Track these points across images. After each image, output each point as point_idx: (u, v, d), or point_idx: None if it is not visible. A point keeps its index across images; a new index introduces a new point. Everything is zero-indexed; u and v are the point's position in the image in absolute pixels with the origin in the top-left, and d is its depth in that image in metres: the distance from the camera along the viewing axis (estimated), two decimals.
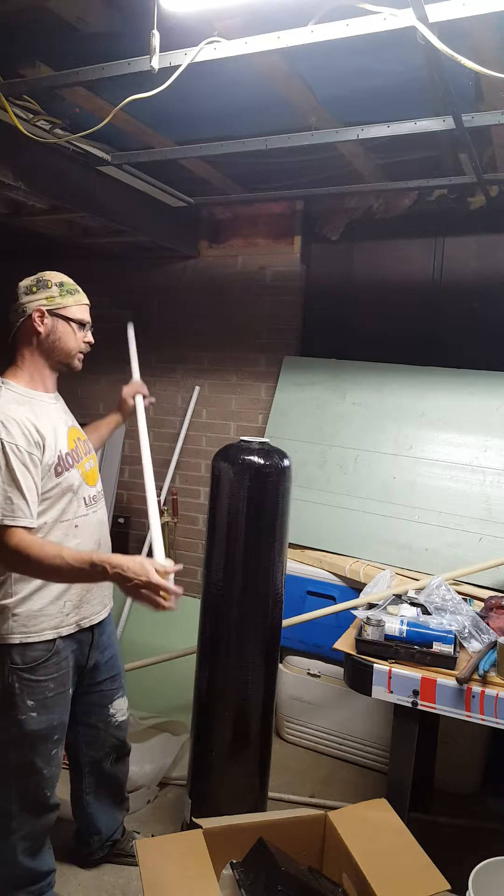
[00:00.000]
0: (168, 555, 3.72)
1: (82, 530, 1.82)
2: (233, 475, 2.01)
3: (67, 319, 1.78)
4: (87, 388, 3.83)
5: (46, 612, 1.76)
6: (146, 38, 1.61)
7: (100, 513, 1.92)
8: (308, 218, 3.33)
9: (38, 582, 1.73)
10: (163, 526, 3.47)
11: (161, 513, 3.46)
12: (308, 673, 2.89)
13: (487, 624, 2.06)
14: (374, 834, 1.71)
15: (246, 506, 2.00)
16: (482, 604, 2.28)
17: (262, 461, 1.99)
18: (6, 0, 1.64)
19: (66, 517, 1.78)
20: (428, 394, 2.93)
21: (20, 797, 1.82)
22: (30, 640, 1.73)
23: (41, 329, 1.75)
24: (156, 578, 1.51)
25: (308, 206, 3.30)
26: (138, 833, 2.32)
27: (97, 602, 1.91)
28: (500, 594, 2.33)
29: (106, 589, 1.96)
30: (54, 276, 1.80)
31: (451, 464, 2.80)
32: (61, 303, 1.77)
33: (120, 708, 2.09)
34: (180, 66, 1.69)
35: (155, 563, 1.56)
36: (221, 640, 2.09)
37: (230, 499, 2.02)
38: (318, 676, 2.87)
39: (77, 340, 1.82)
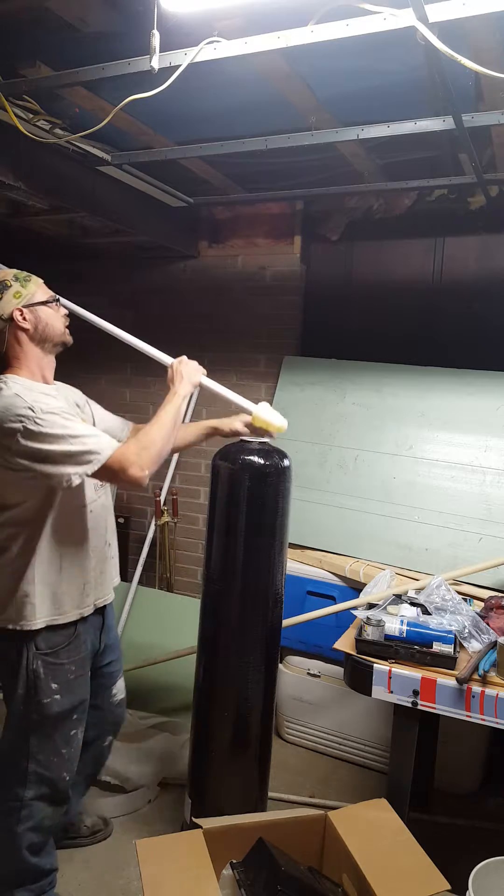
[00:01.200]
0: (168, 555, 3.72)
1: (94, 514, 1.88)
2: (232, 475, 2.01)
3: (43, 304, 1.81)
4: (87, 388, 3.82)
5: (69, 593, 1.81)
6: (146, 38, 1.61)
7: (105, 498, 1.97)
8: (308, 218, 3.33)
9: (60, 564, 1.78)
10: (162, 526, 3.48)
11: (161, 513, 3.47)
12: (308, 673, 2.89)
13: (487, 624, 2.06)
14: (374, 834, 1.71)
15: (246, 505, 1.99)
16: (482, 604, 2.27)
17: (261, 461, 1.99)
18: (6, 0, 1.64)
19: (82, 501, 1.83)
20: (428, 394, 2.93)
21: (36, 783, 1.83)
22: (56, 623, 1.78)
23: (27, 325, 1.77)
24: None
25: (308, 206, 3.30)
26: (82, 812, 2.28)
27: (109, 582, 1.99)
28: (500, 594, 2.33)
29: (114, 569, 2.02)
30: (6, 273, 1.80)
31: (451, 464, 2.80)
32: (28, 292, 1.78)
33: (120, 688, 2.17)
34: (180, 66, 1.69)
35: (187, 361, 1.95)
36: (221, 640, 2.09)
37: (230, 499, 2.01)
38: (318, 676, 2.87)
39: (59, 317, 1.85)
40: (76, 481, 1.64)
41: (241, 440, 2.08)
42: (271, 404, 3.29)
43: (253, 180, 2.96)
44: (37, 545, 1.75)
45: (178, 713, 2.89)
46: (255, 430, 2.08)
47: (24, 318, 1.77)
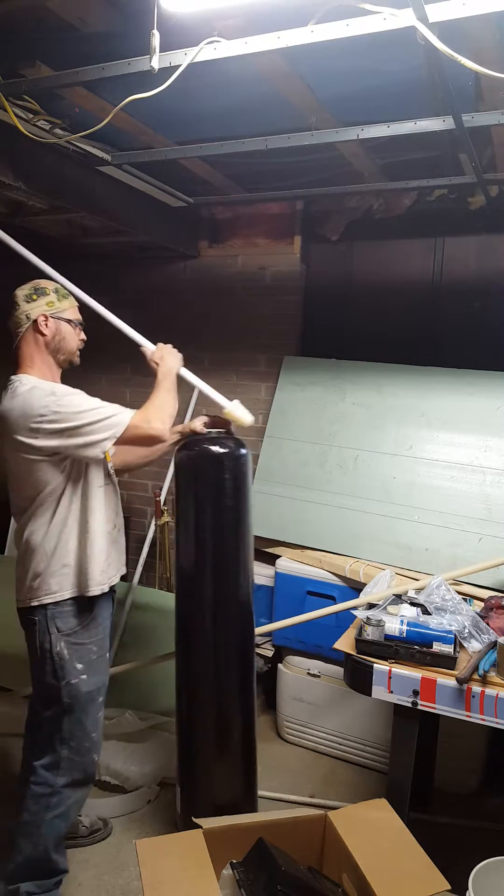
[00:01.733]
0: (168, 555, 3.72)
1: (109, 497, 1.98)
2: (191, 463, 2.12)
3: (67, 321, 1.97)
4: (88, 388, 3.81)
5: (93, 568, 1.91)
6: (146, 38, 1.61)
7: (114, 485, 2.06)
8: (308, 218, 3.33)
9: (86, 540, 1.89)
10: (162, 526, 3.48)
11: (161, 513, 3.47)
12: (308, 673, 2.89)
13: (487, 624, 2.06)
14: (374, 834, 1.71)
15: (209, 491, 2.09)
16: (482, 604, 2.27)
17: (218, 448, 2.09)
18: (6, 0, 1.64)
19: (100, 483, 1.95)
20: (428, 394, 2.93)
21: (68, 769, 1.89)
22: (91, 593, 1.89)
23: (46, 332, 1.92)
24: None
25: (308, 206, 3.30)
26: (80, 815, 2.26)
27: (119, 563, 2.06)
28: (500, 594, 2.33)
29: (123, 554, 2.10)
30: (49, 284, 1.98)
31: (451, 464, 2.80)
32: (60, 307, 1.95)
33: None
34: (180, 66, 1.69)
35: (167, 347, 2.17)
36: (190, 628, 2.15)
37: (190, 486, 2.13)
38: (318, 676, 2.87)
39: (76, 339, 2.00)
40: (108, 447, 1.80)
41: (199, 433, 2.16)
42: (271, 404, 3.32)
43: (253, 180, 2.96)
44: (67, 523, 1.87)
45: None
46: (217, 425, 2.21)
47: (46, 325, 1.91)
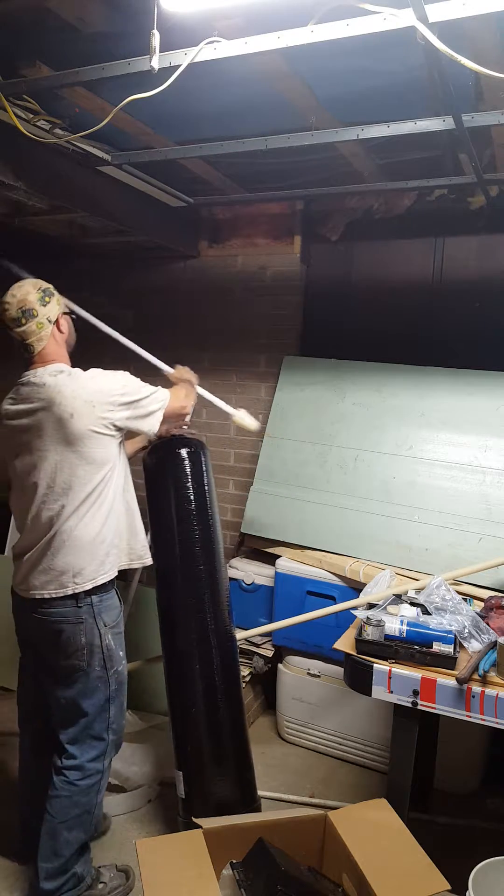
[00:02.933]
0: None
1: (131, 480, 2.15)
2: (154, 461, 2.32)
3: (69, 316, 2.12)
4: None
5: (134, 543, 2.09)
6: (146, 38, 1.61)
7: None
8: (308, 218, 3.33)
9: (127, 518, 2.06)
10: None
11: None
12: (308, 673, 2.89)
13: (487, 624, 2.06)
14: (374, 834, 1.71)
15: (173, 487, 2.27)
16: (482, 604, 2.28)
17: (181, 449, 2.29)
18: (6, 0, 1.64)
19: (129, 465, 2.12)
20: (428, 394, 2.93)
21: (110, 751, 2.02)
22: (136, 565, 2.07)
23: (64, 330, 2.07)
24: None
25: (308, 206, 3.30)
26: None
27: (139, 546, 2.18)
28: (500, 594, 2.33)
29: None
30: (44, 283, 2.05)
31: (451, 464, 2.80)
32: (65, 305, 2.10)
33: None
34: (180, 66, 1.69)
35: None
36: (169, 628, 2.27)
37: (154, 482, 2.31)
38: (318, 676, 2.87)
39: (73, 334, 2.14)
40: (160, 418, 2.06)
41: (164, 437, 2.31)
42: (272, 404, 3.32)
43: (253, 180, 2.96)
44: (114, 507, 2.01)
45: None
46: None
47: (63, 323, 2.07)
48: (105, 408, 1.93)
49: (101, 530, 1.96)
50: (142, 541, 2.11)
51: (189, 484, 2.27)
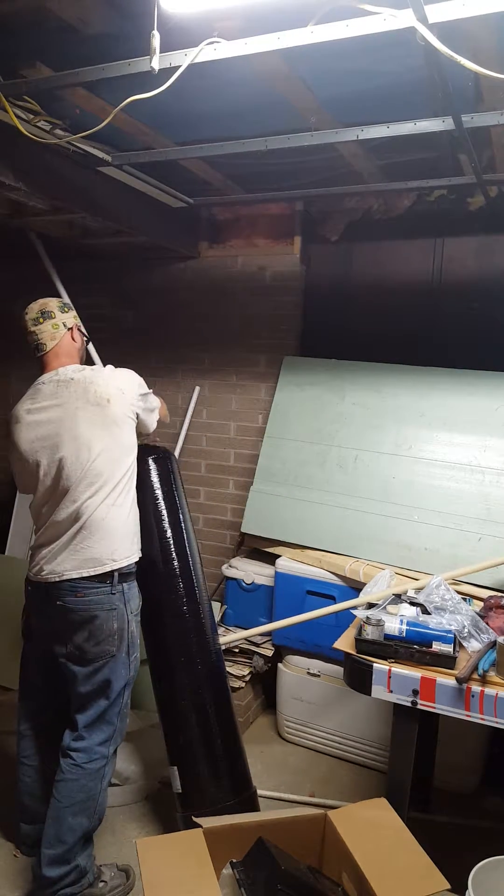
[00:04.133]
0: None
1: None
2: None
3: (81, 333, 2.24)
4: None
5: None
6: (146, 39, 1.61)
7: None
8: (308, 218, 3.34)
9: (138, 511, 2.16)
10: None
11: None
12: (308, 672, 2.90)
13: (487, 623, 2.06)
14: (374, 833, 1.71)
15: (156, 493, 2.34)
16: (482, 603, 2.28)
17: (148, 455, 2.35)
18: (6, 0, 1.64)
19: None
20: (427, 394, 2.94)
21: (117, 738, 2.07)
22: (140, 556, 2.12)
23: (77, 340, 2.19)
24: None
25: (308, 207, 3.30)
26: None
27: None
28: (500, 594, 2.33)
29: None
30: (66, 298, 2.28)
31: (450, 464, 2.80)
32: (79, 322, 2.23)
33: None
34: (180, 66, 1.69)
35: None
36: (149, 626, 2.28)
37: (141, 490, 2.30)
38: (318, 676, 2.87)
39: (83, 350, 2.26)
40: (154, 426, 2.24)
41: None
42: (271, 404, 3.33)
43: (253, 181, 2.96)
44: (133, 493, 2.12)
45: None
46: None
47: (77, 333, 2.20)
48: (133, 396, 2.10)
49: (129, 515, 2.08)
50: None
51: (157, 492, 2.34)
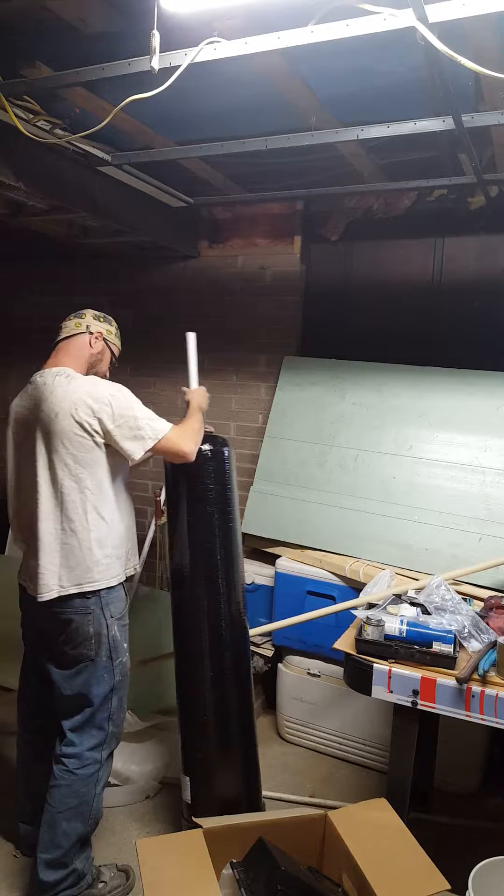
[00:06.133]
0: (167, 556, 3.72)
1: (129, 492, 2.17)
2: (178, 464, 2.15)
3: (111, 353, 2.22)
4: None
5: (131, 552, 2.11)
6: (146, 39, 1.61)
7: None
8: (308, 218, 3.33)
9: (125, 528, 2.07)
10: (162, 526, 3.48)
11: (161, 513, 3.46)
12: (308, 673, 2.89)
13: (487, 624, 2.06)
14: (374, 834, 1.71)
15: (188, 489, 2.18)
16: (482, 604, 2.28)
17: (205, 448, 2.16)
18: (6, 0, 1.64)
19: (127, 479, 2.14)
20: (428, 394, 2.94)
21: (109, 742, 2.04)
22: (121, 580, 2.05)
23: (94, 346, 2.14)
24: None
25: (308, 207, 3.30)
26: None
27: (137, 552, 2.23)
28: (500, 594, 2.33)
29: None
30: (114, 322, 2.24)
31: (451, 464, 2.80)
32: (114, 340, 2.22)
33: None
34: (180, 66, 1.69)
35: (202, 390, 2.33)
36: (185, 631, 2.20)
37: (176, 486, 2.22)
38: (318, 676, 2.87)
39: (106, 368, 2.22)
40: (147, 447, 1.96)
41: None
42: (271, 404, 3.32)
43: (253, 180, 2.96)
44: (111, 513, 2.01)
45: (176, 712, 2.89)
46: None
47: (97, 341, 2.15)
48: (86, 412, 1.92)
49: (99, 534, 1.96)
50: (136, 550, 2.16)
51: (209, 483, 2.17)
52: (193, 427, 2.10)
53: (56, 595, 1.94)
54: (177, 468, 2.15)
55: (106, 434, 1.93)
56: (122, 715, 2.08)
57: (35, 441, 1.97)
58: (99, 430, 1.93)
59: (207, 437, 2.19)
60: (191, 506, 2.18)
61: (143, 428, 1.95)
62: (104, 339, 2.16)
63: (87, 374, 2.11)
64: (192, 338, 2.34)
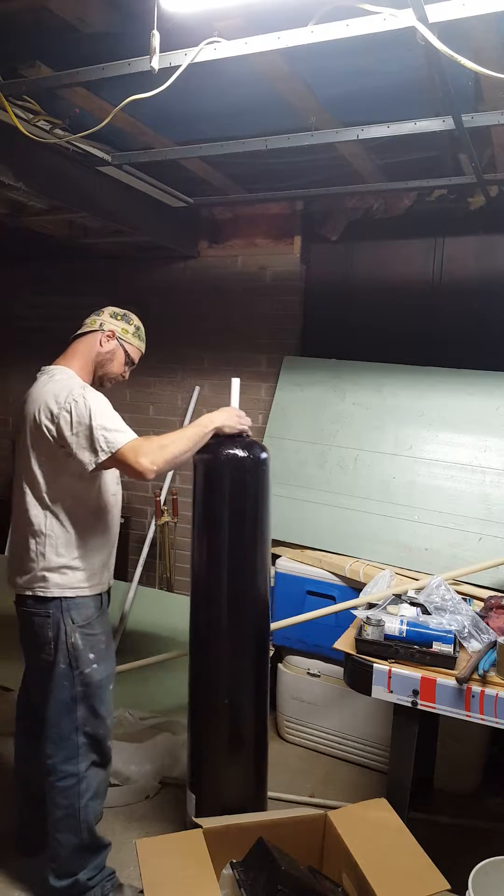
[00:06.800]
0: (168, 555, 3.71)
1: (116, 503, 2.07)
2: (212, 467, 2.06)
3: (125, 352, 2.11)
4: None
5: (102, 567, 2.00)
6: (146, 39, 1.61)
7: (120, 493, 2.14)
8: (308, 218, 3.34)
9: (99, 541, 1.98)
10: (162, 526, 3.48)
11: (161, 513, 3.47)
12: (308, 673, 2.89)
13: (487, 624, 2.06)
14: (374, 834, 1.71)
15: (228, 497, 2.06)
16: (482, 603, 2.28)
17: (242, 453, 2.03)
18: (6, 0, 1.64)
19: (112, 489, 2.04)
20: (428, 394, 2.94)
21: (86, 753, 1.94)
22: (90, 593, 1.95)
23: (104, 345, 2.06)
24: (242, 422, 2.06)
25: (308, 207, 3.30)
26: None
27: (112, 568, 2.13)
28: (500, 594, 2.33)
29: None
30: (136, 320, 2.15)
31: (450, 464, 2.80)
32: (130, 339, 2.12)
33: None
34: (180, 66, 1.69)
35: (234, 410, 2.08)
36: (208, 637, 2.10)
37: (210, 492, 2.09)
38: (318, 676, 2.87)
39: (121, 369, 2.12)
40: (99, 461, 1.80)
41: (218, 435, 2.05)
42: (272, 404, 3.32)
43: (253, 180, 2.96)
44: (78, 523, 1.93)
45: (177, 713, 2.89)
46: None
47: (108, 341, 2.06)
48: (47, 415, 1.85)
49: (56, 542, 1.91)
50: (112, 564, 2.08)
51: (240, 498, 2.07)
52: (166, 441, 1.85)
53: (15, 593, 1.95)
54: (212, 468, 2.04)
55: (63, 441, 1.83)
56: (99, 731, 1.95)
57: (22, 440, 1.97)
58: (56, 435, 1.84)
59: (245, 443, 2.05)
60: (227, 509, 2.05)
61: (98, 439, 1.78)
62: (118, 339, 2.07)
63: (94, 374, 2.06)
64: (236, 383, 2.17)
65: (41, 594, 1.90)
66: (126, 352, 2.10)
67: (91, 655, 1.93)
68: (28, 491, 1.93)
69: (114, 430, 1.80)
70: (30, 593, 1.91)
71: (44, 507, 1.91)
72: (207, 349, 3.60)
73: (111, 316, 2.09)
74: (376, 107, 2.13)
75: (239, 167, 2.76)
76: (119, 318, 2.10)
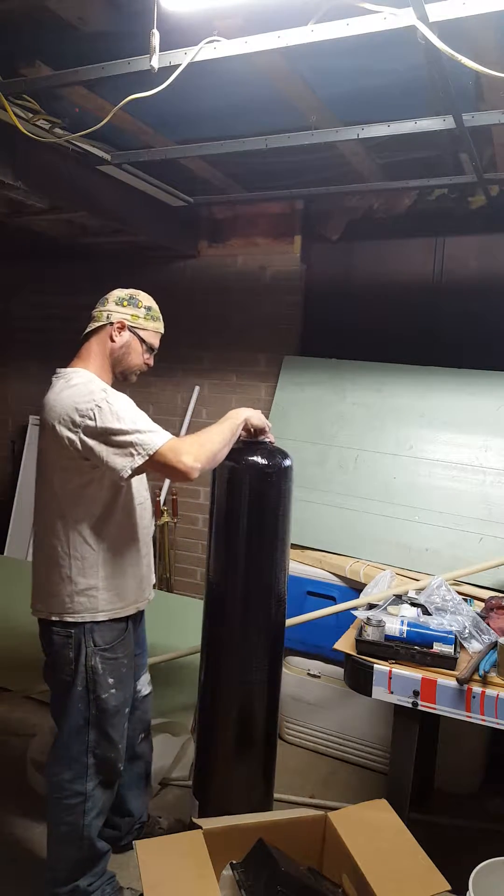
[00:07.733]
0: (167, 555, 3.71)
1: (145, 512, 1.97)
2: (234, 474, 1.97)
3: (141, 340, 1.93)
4: None
5: (130, 587, 1.90)
6: (146, 38, 1.61)
7: (149, 500, 2.05)
8: (308, 217, 3.33)
9: (124, 559, 1.87)
10: (162, 526, 3.48)
11: (161, 513, 3.47)
12: (308, 673, 2.89)
13: (488, 624, 2.05)
14: (375, 834, 1.70)
15: (248, 505, 1.96)
16: (482, 604, 2.27)
17: (264, 460, 1.96)
18: (6, 0, 1.64)
19: (139, 499, 1.93)
20: (428, 394, 2.93)
21: (95, 774, 1.89)
22: (118, 616, 1.86)
23: (116, 339, 1.89)
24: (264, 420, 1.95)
25: (308, 206, 3.30)
26: (161, 817, 2.29)
27: (152, 579, 2.05)
28: (501, 594, 2.33)
29: (152, 567, 2.07)
30: (145, 299, 1.96)
31: (451, 464, 2.80)
32: (143, 324, 1.92)
33: (144, 682, 2.16)
34: (180, 65, 1.69)
35: (257, 412, 1.95)
36: (224, 642, 2.05)
37: (231, 498, 1.99)
38: (319, 677, 2.87)
39: (141, 359, 1.95)
40: (136, 466, 1.68)
41: (242, 440, 2.01)
42: (272, 404, 3.32)
43: (253, 180, 2.96)
44: (105, 540, 1.83)
45: (178, 713, 2.89)
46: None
47: (119, 333, 1.89)
48: (66, 426, 1.71)
49: (83, 563, 1.80)
50: (144, 582, 1.95)
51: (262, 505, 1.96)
52: (204, 438, 1.75)
53: (38, 616, 1.86)
54: (235, 474, 1.93)
55: (89, 452, 1.69)
56: (110, 754, 1.90)
57: (42, 455, 1.84)
58: (81, 448, 1.69)
59: (272, 451, 1.95)
60: (249, 515, 1.96)
61: (131, 442, 1.67)
62: (129, 328, 1.89)
63: (112, 371, 1.91)
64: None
65: (69, 619, 1.81)
66: (142, 339, 1.92)
67: (110, 680, 1.85)
68: (49, 508, 1.82)
69: (147, 432, 1.68)
70: (56, 618, 1.82)
71: (65, 525, 1.79)
72: (207, 349, 3.59)
73: (116, 304, 1.91)
74: (377, 106, 2.13)
75: (239, 166, 2.76)
76: (126, 303, 1.91)
